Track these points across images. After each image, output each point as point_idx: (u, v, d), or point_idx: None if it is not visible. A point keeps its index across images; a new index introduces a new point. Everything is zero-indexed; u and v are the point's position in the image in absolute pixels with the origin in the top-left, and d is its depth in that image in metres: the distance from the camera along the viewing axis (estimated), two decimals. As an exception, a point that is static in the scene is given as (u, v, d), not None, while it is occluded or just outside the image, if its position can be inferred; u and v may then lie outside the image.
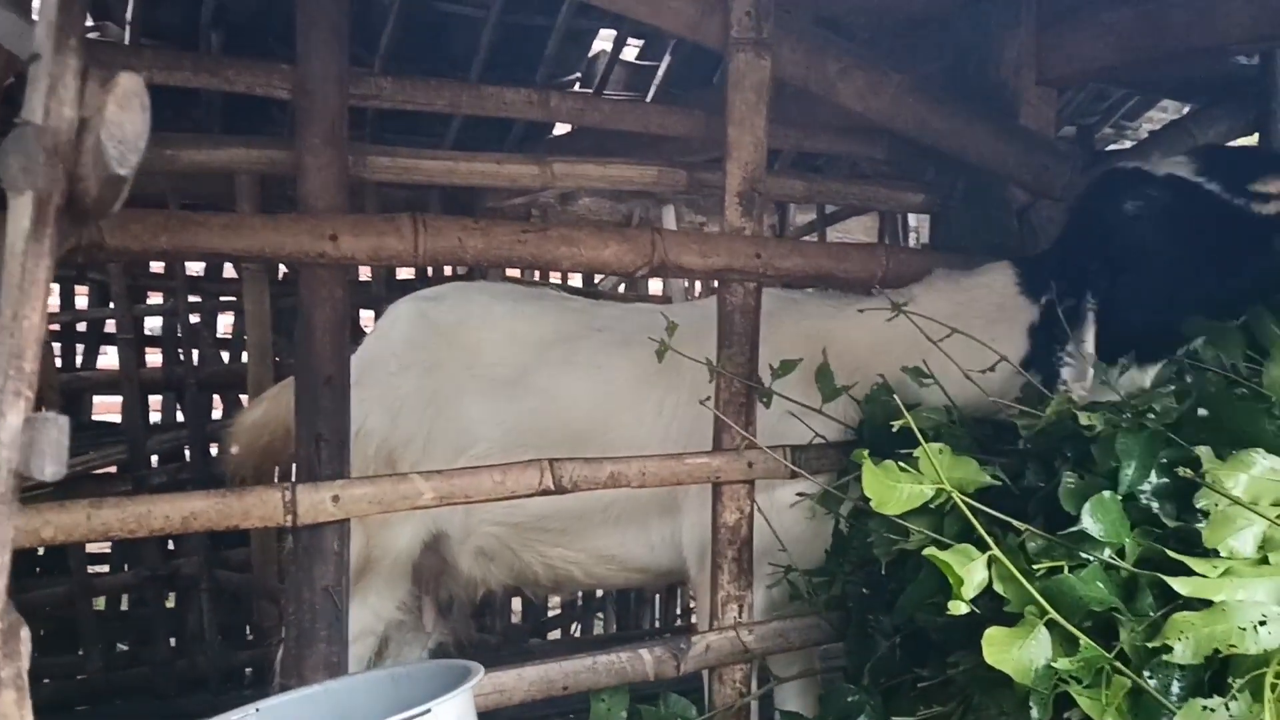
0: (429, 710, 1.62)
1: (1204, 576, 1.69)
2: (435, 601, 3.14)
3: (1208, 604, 1.66)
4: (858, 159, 3.31)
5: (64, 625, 4.40)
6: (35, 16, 0.97)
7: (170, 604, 4.67)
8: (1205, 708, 1.54)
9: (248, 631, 4.68)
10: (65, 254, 1.77)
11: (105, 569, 4.69)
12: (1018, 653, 1.71)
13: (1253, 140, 3.25)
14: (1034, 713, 1.66)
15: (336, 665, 2.10)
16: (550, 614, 5.41)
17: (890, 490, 1.84)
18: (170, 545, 4.64)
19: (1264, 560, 1.73)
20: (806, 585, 2.46)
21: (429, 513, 2.82)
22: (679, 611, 5.33)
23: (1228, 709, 1.52)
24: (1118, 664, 1.69)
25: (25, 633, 1.09)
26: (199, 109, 3.71)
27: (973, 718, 1.93)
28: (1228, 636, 1.58)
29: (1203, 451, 1.92)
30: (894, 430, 2.04)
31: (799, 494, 2.41)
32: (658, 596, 5.40)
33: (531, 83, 3.65)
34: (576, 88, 4.11)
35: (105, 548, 4.71)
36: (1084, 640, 1.69)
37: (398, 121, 3.85)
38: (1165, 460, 1.93)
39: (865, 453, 1.87)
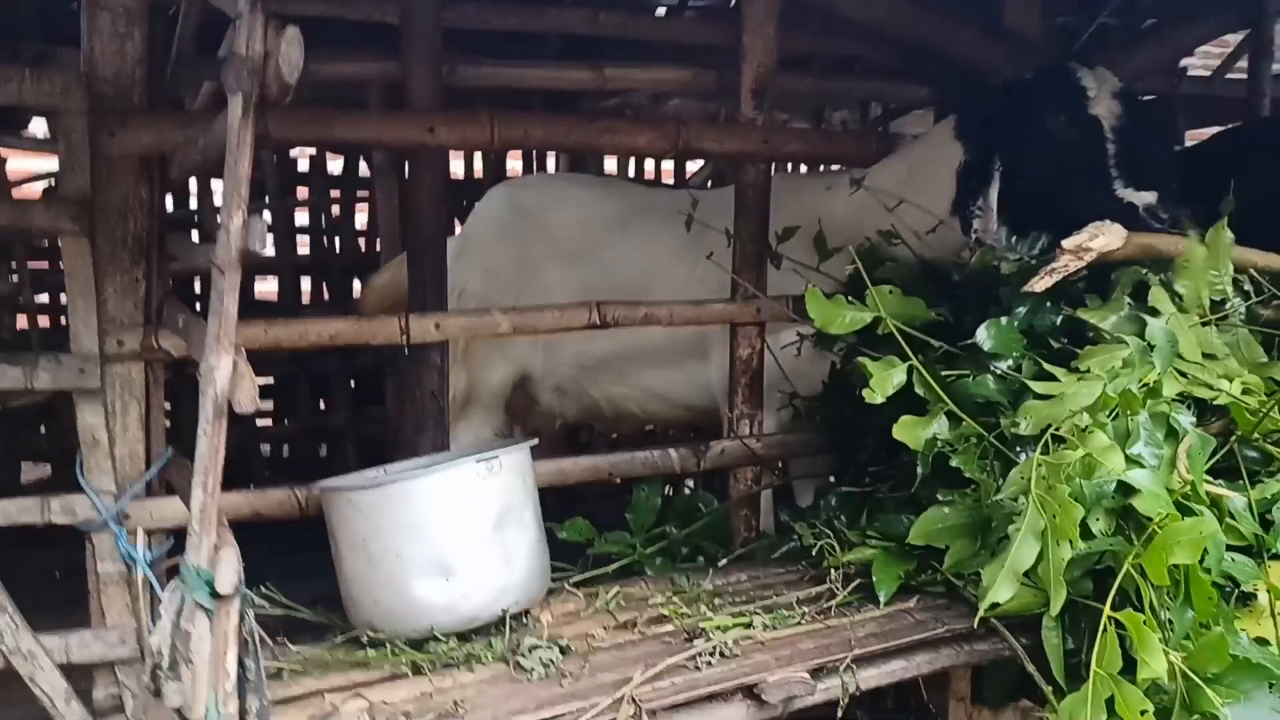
0: (496, 456, 2.34)
1: (1059, 380, 2.25)
2: (525, 432, 3.91)
3: (1059, 398, 2.23)
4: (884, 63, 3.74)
5: (238, 468, 5.40)
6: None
7: (323, 454, 5.64)
8: (1034, 460, 2.12)
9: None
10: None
11: (269, 423, 5.68)
12: (919, 432, 2.32)
13: (1240, 36, 3.54)
14: (919, 468, 2.27)
15: (440, 446, 2.85)
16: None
17: (834, 314, 2.44)
18: (321, 405, 5.59)
19: (1116, 376, 2.28)
20: (805, 408, 3.08)
21: (517, 357, 3.58)
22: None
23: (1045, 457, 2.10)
24: (994, 440, 2.28)
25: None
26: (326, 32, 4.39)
27: (903, 488, 2.55)
28: (1059, 416, 2.14)
29: (1092, 299, 2.46)
30: (865, 280, 2.63)
31: (798, 333, 3.00)
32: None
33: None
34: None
35: (269, 405, 5.68)
36: (966, 420, 2.29)
37: (504, 40, 4.48)
38: (1061, 302, 2.48)
39: (813, 285, 2.46)
